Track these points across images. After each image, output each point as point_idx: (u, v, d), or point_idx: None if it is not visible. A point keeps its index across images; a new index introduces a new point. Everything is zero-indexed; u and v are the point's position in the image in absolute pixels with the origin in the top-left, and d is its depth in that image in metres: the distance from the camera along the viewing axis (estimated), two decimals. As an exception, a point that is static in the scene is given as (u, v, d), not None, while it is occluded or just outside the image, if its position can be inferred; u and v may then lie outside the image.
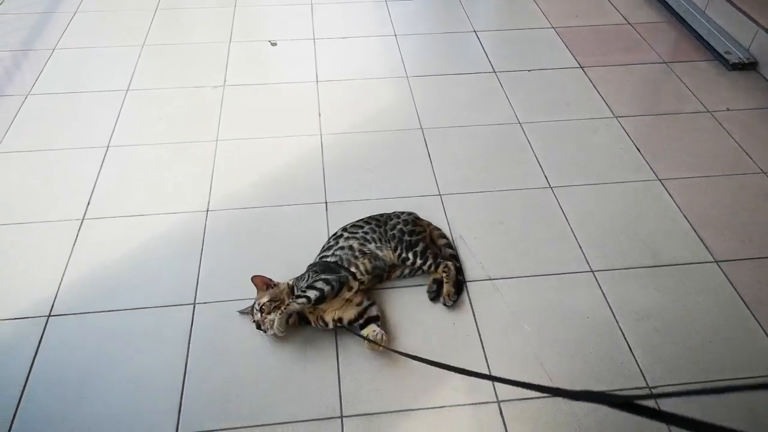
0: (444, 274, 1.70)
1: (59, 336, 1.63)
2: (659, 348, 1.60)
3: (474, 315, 1.68)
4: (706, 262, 1.82)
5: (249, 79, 2.59)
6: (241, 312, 1.65)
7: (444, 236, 1.85)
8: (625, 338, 1.62)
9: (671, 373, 1.54)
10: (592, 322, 1.66)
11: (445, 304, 1.69)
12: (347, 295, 1.59)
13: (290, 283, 1.63)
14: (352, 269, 1.63)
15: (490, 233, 1.92)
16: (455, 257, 1.80)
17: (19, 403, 1.48)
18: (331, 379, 1.53)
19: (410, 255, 1.71)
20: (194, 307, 1.70)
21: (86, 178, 2.09)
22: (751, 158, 2.19)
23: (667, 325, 1.66)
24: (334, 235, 1.79)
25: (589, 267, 1.81)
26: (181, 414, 1.46)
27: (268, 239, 1.89)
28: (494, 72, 2.64)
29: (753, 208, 2.00)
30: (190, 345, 1.60)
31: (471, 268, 1.81)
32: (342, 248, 1.68)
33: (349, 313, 1.58)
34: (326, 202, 2.02)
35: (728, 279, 1.77)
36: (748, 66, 2.62)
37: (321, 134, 2.30)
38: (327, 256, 1.69)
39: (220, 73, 2.62)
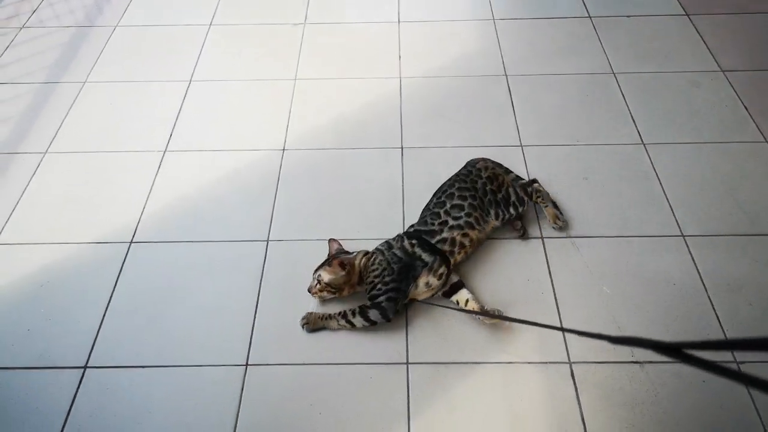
0: (539, 199, 1.72)
1: (140, 261, 1.69)
2: (751, 323, 1.48)
3: (550, 273, 1.61)
4: (814, 235, 1.66)
5: (330, 17, 2.52)
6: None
7: (501, 166, 1.81)
8: (714, 309, 1.51)
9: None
10: (678, 289, 1.56)
11: (555, 227, 1.71)
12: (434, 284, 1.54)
13: (361, 261, 1.56)
14: (450, 256, 1.55)
15: (573, 189, 1.82)
16: (530, 182, 1.77)
17: (103, 319, 1.56)
18: (399, 326, 1.52)
19: (511, 210, 1.67)
20: (267, 244, 1.72)
21: (169, 110, 2.13)
22: None
23: (763, 299, 1.53)
24: (435, 211, 1.63)
25: (680, 231, 1.69)
26: (252, 345, 1.50)
27: (342, 181, 1.87)
28: (589, 17, 2.46)
29: None
30: (263, 281, 1.63)
31: (549, 225, 1.72)
32: (444, 240, 1.55)
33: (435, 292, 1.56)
34: (402, 148, 1.97)
35: (839, 255, 1.61)
36: None
37: (400, 77, 2.23)
38: (426, 233, 1.58)
39: (301, 10, 2.57)
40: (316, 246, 1.68)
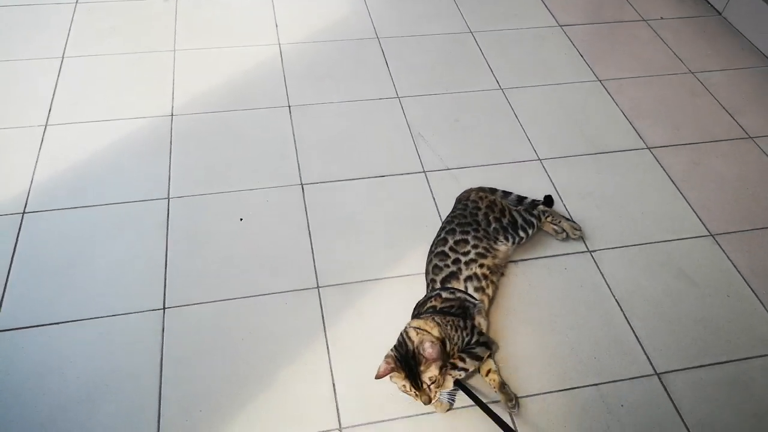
0: (549, 221, 1.71)
1: (37, 230, 1.67)
2: (599, 219, 1.79)
3: (433, 194, 1.82)
4: (640, 149, 2.01)
5: (202, -7, 2.57)
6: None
7: (495, 191, 1.79)
8: (568, 212, 1.80)
9: (610, 235, 1.75)
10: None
11: (573, 237, 1.72)
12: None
13: (439, 334, 1.36)
14: (483, 298, 1.52)
15: (447, 130, 2.05)
16: (521, 197, 1.78)
17: (5, 287, 1.54)
18: (306, 254, 1.65)
19: (521, 233, 1.64)
20: (168, 201, 1.77)
21: (44, 87, 2.08)
22: (681, 60, 2.38)
23: (606, 202, 1.85)
24: (439, 250, 1.58)
25: (537, 156, 1.97)
26: (167, 290, 1.55)
27: (235, 139, 1.96)
28: (445, -15, 2.72)
29: (682, 103, 2.20)
30: (168, 233, 1.68)
31: (430, 161, 1.93)
32: (470, 278, 1.51)
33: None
34: (289, 106, 2.09)
35: (659, 162, 1.97)
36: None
37: (279, 44, 2.35)
38: (448, 279, 1.52)
39: (171, -14, 2.58)
40: (218, 199, 1.77)
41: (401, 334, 1.37)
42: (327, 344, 1.48)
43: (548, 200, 1.79)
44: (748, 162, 1.99)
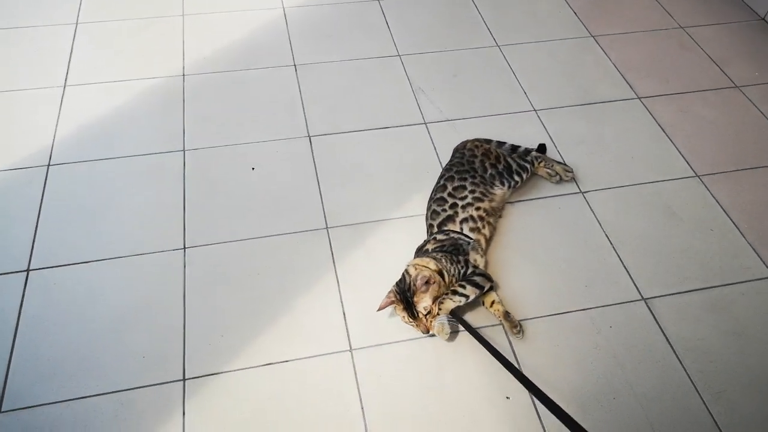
0: (542, 165, 1.80)
1: (62, 181, 1.78)
2: (591, 163, 1.89)
3: (434, 144, 1.92)
4: (630, 99, 2.11)
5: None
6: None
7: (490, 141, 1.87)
8: (562, 158, 1.90)
9: (602, 177, 1.85)
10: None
11: (565, 179, 1.81)
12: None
13: (436, 266, 1.48)
14: (479, 237, 1.61)
15: (445, 84, 2.14)
16: (515, 146, 1.86)
17: (36, 230, 1.65)
18: (315, 197, 1.76)
19: (515, 177, 1.73)
20: (184, 153, 1.87)
21: (61, 51, 2.18)
22: (672, 17, 2.46)
23: (599, 148, 1.95)
24: (439, 196, 1.68)
25: (532, 107, 2.07)
26: (186, 232, 1.67)
27: (244, 96, 2.06)
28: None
29: (672, 56, 2.29)
30: (186, 181, 1.79)
31: (430, 114, 2.03)
32: (465, 220, 1.61)
33: None
34: (295, 65, 2.19)
35: (648, 111, 2.07)
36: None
37: (284, 6, 2.43)
38: (444, 222, 1.62)
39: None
40: (230, 151, 1.88)
41: (403, 272, 1.49)
42: (337, 277, 1.60)
43: (541, 147, 1.89)
44: (734, 109, 2.08)
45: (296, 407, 1.36)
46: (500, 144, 1.86)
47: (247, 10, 2.41)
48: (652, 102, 2.09)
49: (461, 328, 1.47)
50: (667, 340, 1.49)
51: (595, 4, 2.54)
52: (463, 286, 1.48)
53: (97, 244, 1.63)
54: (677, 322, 1.53)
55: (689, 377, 1.43)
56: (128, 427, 1.32)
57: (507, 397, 1.39)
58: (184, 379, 1.40)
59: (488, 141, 1.85)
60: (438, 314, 1.43)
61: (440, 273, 1.47)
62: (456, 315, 1.48)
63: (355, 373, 1.42)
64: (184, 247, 1.64)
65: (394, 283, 1.48)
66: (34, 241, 1.63)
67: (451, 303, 1.45)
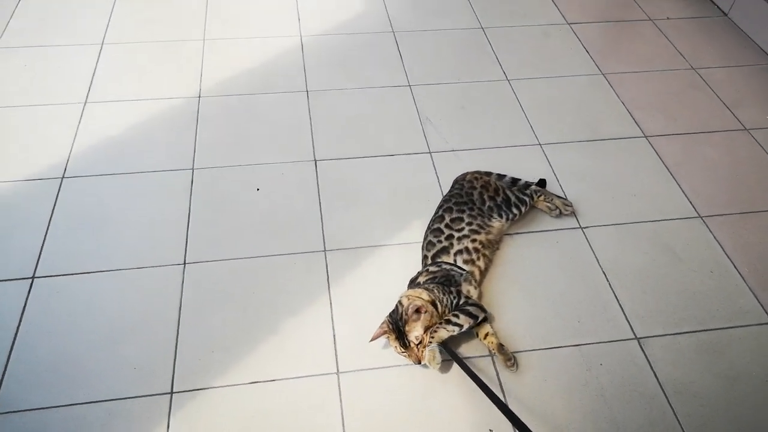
0: (542, 199, 1.81)
1: (74, 193, 1.85)
2: (593, 199, 1.90)
3: (437, 173, 1.95)
4: (637, 137, 2.12)
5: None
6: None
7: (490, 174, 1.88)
8: (563, 192, 1.91)
9: (602, 214, 1.85)
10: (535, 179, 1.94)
11: (565, 213, 1.82)
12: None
13: (429, 297, 1.49)
14: (473, 269, 1.62)
15: (454, 115, 2.18)
16: (515, 179, 1.88)
17: (45, 238, 1.71)
18: (315, 219, 1.80)
19: (514, 210, 1.74)
20: (193, 172, 1.93)
21: (85, 70, 2.28)
22: (684, 57, 2.48)
23: (601, 184, 1.95)
24: (436, 227, 1.69)
25: (537, 141, 2.09)
26: (188, 248, 1.71)
27: (256, 119, 2.12)
28: (460, -16, 2.86)
29: (681, 96, 2.30)
30: (192, 199, 1.84)
31: (436, 143, 2.07)
32: (460, 252, 1.63)
33: None
34: (307, 91, 2.25)
35: (654, 149, 2.07)
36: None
37: (301, 35, 2.51)
38: (438, 254, 1.64)
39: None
40: (237, 171, 1.93)
41: (396, 303, 1.50)
42: (330, 300, 1.62)
43: (541, 182, 1.90)
44: (741, 151, 2.07)
45: (279, 426, 1.37)
46: (500, 177, 1.88)
47: (266, 38, 2.49)
48: (658, 141, 2.10)
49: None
50: (658, 381, 1.47)
51: (607, 42, 2.56)
52: (457, 316, 1.48)
53: (100, 256, 1.68)
54: (670, 363, 1.51)
55: (678, 420, 1.40)
56: (114, 437, 1.35)
57: (490, 430, 1.38)
58: (171, 393, 1.42)
59: (488, 173, 1.87)
60: (430, 343, 1.43)
61: (433, 303, 1.48)
62: (446, 345, 1.48)
63: (340, 396, 1.43)
64: (184, 263, 1.68)
65: (388, 313, 1.49)
66: (41, 250, 1.69)
67: (444, 332, 1.45)
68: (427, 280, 1.57)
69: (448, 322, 1.46)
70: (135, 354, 1.48)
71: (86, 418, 1.37)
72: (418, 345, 1.43)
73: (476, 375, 1.39)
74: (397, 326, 1.44)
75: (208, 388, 1.43)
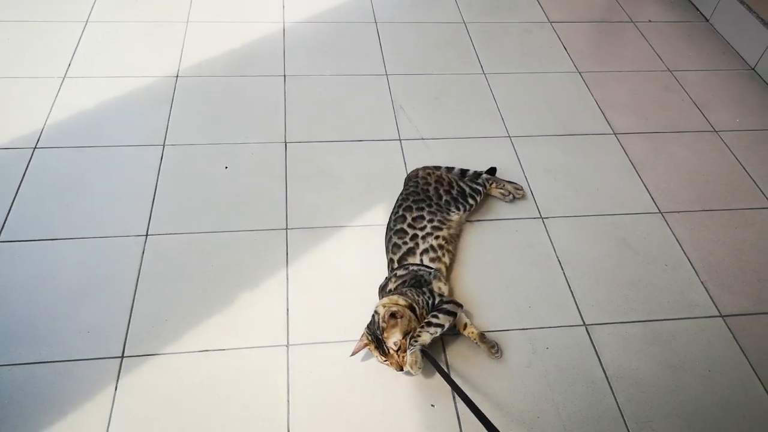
0: (494, 186, 1.86)
1: (44, 163, 1.88)
2: (556, 191, 1.92)
3: (405, 160, 1.98)
4: (606, 134, 2.14)
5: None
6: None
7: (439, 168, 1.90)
8: (528, 184, 1.94)
9: (564, 205, 1.88)
10: (503, 172, 1.96)
11: (518, 197, 1.87)
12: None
13: (405, 302, 1.47)
14: (440, 266, 1.63)
15: (427, 105, 2.21)
16: (464, 170, 1.90)
17: (9, 211, 1.74)
18: (281, 201, 1.82)
19: (470, 201, 1.77)
20: (163, 148, 1.96)
21: (67, 46, 2.31)
22: (661, 59, 2.50)
23: (566, 177, 1.98)
24: (398, 228, 1.69)
25: (507, 133, 2.12)
26: (151, 220, 1.74)
27: (231, 100, 2.15)
28: (446, -20, 2.89)
29: (655, 97, 2.32)
30: (160, 174, 1.87)
31: (407, 131, 2.09)
32: (426, 251, 1.63)
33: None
34: (285, 75, 2.28)
35: (622, 146, 2.09)
36: (674, -13, 2.91)
37: (284, 21, 2.54)
38: (405, 256, 1.63)
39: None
40: (207, 149, 1.96)
41: (372, 313, 1.48)
42: (287, 276, 1.64)
43: (491, 170, 1.92)
44: (708, 152, 2.10)
45: (225, 394, 1.40)
46: (449, 169, 1.89)
47: (249, 22, 2.52)
48: (627, 138, 2.12)
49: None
50: (602, 366, 1.50)
51: (587, 42, 2.59)
52: (436, 316, 1.46)
53: (65, 225, 1.71)
54: (615, 350, 1.53)
55: (618, 404, 1.43)
56: (61, 396, 1.37)
57: (432, 405, 1.40)
58: (122, 357, 1.45)
59: (437, 167, 1.88)
60: (412, 347, 1.40)
61: (411, 307, 1.46)
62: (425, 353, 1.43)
63: (288, 367, 1.45)
64: (147, 234, 1.70)
65: (366, 325, 1.46)
66: (7, 216, 1.72)
67: (427, 336, 1.41)
68: (397, 286, 1.56)
69: (429, 324, 1.44)
70: (90, 319, 1.51)
71: (36, 376, 1.40)
72: (398, 351, 1.41)
73: (438, 364, 1.40)
74: (376, 336, 1.42)
75: (158, 354, 1.46)
